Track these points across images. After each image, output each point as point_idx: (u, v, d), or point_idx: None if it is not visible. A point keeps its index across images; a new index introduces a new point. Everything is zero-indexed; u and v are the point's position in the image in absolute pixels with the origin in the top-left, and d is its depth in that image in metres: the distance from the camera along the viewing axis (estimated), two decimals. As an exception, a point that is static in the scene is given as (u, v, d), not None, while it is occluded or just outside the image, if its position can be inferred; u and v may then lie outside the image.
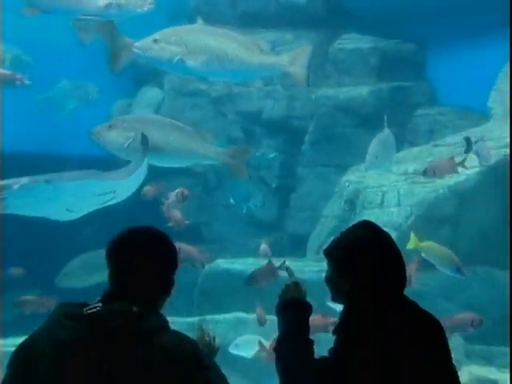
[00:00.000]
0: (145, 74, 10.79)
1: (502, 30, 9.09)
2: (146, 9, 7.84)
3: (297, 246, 10.13)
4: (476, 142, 8.45)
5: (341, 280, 3.46)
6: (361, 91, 10.70)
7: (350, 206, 10.00)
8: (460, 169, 8.10)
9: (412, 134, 10.80)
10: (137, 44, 7.56)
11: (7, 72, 9.29)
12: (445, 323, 8.92)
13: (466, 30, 10.18)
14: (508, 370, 5.04)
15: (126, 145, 7.50)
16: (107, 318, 3.06)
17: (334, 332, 3.42)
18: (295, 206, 10.87)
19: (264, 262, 8.15)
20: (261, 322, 7.47)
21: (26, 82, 8.74)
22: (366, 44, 11.05)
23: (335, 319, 6.61)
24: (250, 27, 10.64)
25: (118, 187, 6.97)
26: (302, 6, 11.11)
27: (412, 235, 7.20)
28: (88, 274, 9.05)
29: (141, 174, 7.10)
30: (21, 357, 3.09)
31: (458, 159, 8.08)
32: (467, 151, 8.31)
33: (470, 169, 8.97)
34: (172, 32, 7.84)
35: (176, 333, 3.15)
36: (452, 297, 8.68)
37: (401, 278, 3.46)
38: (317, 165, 11.19)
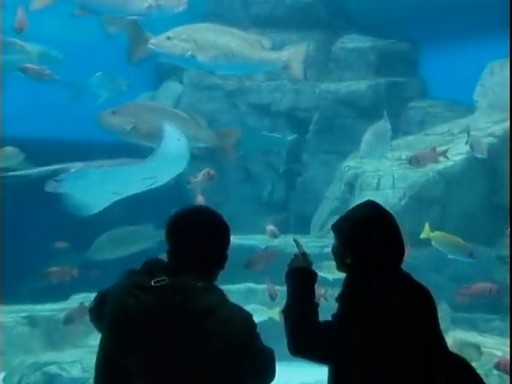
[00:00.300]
0: (167, 70, 11.32)
1: (487, 30, 9.49)
2: (181, 8, 8.27)
3: (302, 225, 10.49)
4: (469, 134, 8.90)
5: (345, 252, 3.60)
6: (360, 86, 10.98)
7: (349, 189, 10.21)
8: (441, 158, 8.50)
9: (406, 125, 10.99)
10: (152, 40, 7.99)
11: (36, 67, 9.41)
12: (465, 292, 9.75)
13: (454, 31, 10.22)
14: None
15: (127, 129, 7.75)
16: (174, 291, 3.11)
17: (338, 299, 3.57)
18: (301, 188, 11.19)
19: (271, 240, 8.73)
20: (272, 296, 7.67)
21: (55, 76, 9.10)
22: (365, 43, 11.34)
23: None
24: (260, 28, 10.95)
25: (161, 171, 7.38)
26: (308, 10, 11.44)
27: (426, 226, 7.45)
28: (115, 248, 9.57)
29: (182, 159, 7.41)
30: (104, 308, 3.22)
31: (439, 150, 8.52)
32: (468, 142, 8.79)
33: (457, 155, 9.37)
34: (183, 30, 8.24)
35: (235, 306, 3.21)
36: (441, 270, 8.90)
37: (399, 253, 3.59)
38: (320, 152, 11.45)
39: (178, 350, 3.08)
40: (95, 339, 3.53)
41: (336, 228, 3.69)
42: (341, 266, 3.71)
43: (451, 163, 9.30)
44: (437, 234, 8.01)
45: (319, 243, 9.28)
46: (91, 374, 3.36)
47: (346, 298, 3.57)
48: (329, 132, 11.29)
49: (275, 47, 8.82)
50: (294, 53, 9.05)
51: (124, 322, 3.13)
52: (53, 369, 8.23)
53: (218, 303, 3.15)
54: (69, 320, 7.98)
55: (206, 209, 3.45)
